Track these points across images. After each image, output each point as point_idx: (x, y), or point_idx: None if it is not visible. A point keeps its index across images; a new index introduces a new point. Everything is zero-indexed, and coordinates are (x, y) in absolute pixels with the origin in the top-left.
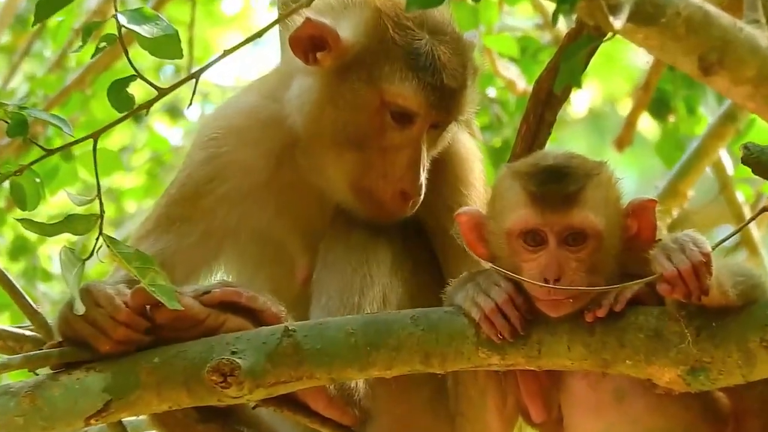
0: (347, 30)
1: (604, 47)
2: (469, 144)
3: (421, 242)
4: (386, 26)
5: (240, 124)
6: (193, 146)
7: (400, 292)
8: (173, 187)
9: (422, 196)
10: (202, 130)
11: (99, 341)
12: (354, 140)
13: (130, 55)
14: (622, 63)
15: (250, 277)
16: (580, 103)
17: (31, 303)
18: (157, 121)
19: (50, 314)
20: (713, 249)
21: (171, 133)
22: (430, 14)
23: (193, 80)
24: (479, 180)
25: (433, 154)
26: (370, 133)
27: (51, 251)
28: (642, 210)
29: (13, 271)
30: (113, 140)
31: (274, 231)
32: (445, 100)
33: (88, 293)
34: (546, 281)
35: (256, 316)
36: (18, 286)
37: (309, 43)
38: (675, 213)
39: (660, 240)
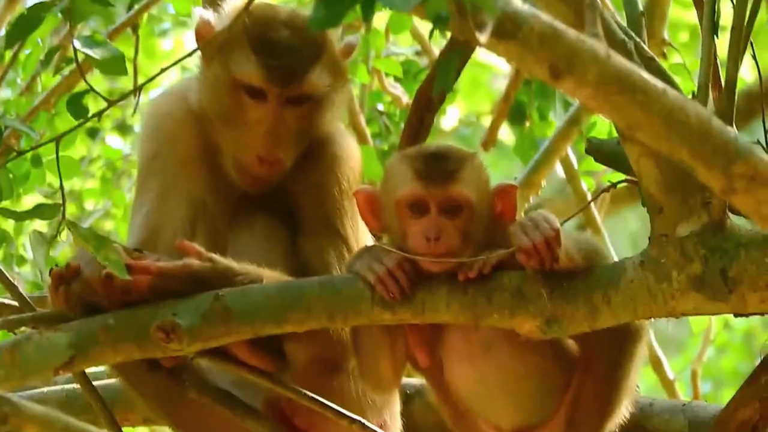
0: (219, 23)
1: (469, 72)
2: (348, 143)
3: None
4: (244, 19)
5: (162, 125)
6: (139, 137)
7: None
8: (139, 176)
9: (285, 163)
10: (142, 125)
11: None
12: (225, 118)
13: (88, 82)
14: (485, 87)
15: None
16: (450, 118)
17: (9, 278)
18: (110, 136)
19: (26, 291)
20: (561, 225)
21: (121, 145)
22: (291, 14)
23: (139, 97)
24: (354, 176)
25: (307, 129)
26: (234, 110)
27: (26, 242)
28: (505, 193)
29: None
30: (74, 152)
31: (207, 210)
32: (286, 76)
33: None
34: (428, 240)
35: None
36: None
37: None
38: (531, 200)
39: (518, 218)
